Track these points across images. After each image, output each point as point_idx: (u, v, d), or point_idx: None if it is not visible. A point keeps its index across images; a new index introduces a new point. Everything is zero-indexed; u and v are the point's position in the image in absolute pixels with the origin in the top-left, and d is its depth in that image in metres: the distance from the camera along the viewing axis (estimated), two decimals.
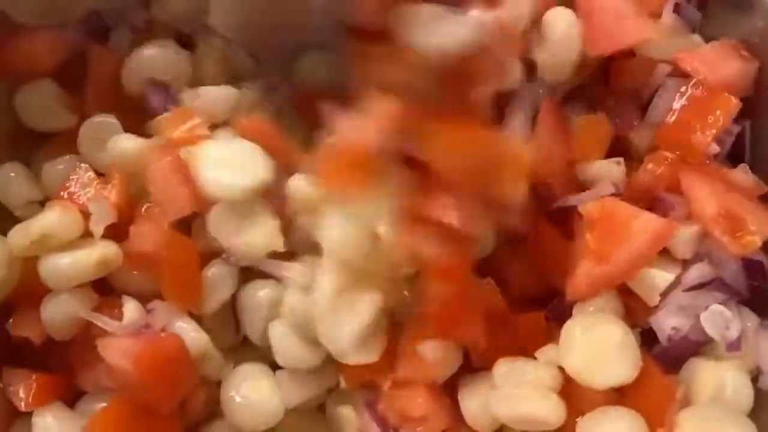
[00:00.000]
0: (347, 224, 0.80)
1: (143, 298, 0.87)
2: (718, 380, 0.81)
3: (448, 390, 0.86)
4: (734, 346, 0.82)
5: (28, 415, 0.86)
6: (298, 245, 0.87)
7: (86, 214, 0.86)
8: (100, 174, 0.91)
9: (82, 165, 0.91)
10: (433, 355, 0.83)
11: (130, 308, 0.85)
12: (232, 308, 0.90)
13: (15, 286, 0.86)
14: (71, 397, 0.88)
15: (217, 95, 0.93)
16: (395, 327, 0.84)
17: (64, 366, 0.88)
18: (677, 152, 0.88)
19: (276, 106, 0.94)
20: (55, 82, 0.95)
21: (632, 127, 0.93)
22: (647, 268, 0.84)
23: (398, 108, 0.78)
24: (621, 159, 0.90)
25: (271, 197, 0.86)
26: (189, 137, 0.88)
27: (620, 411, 0.80)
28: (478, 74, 0.81)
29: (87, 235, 0.86)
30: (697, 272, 0.84)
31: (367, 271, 0.81)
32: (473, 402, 0.85)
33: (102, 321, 0.84)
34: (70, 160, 0.93)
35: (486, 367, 0.85)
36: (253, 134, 0.87)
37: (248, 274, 0.89)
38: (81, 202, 0.88)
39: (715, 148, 0.88)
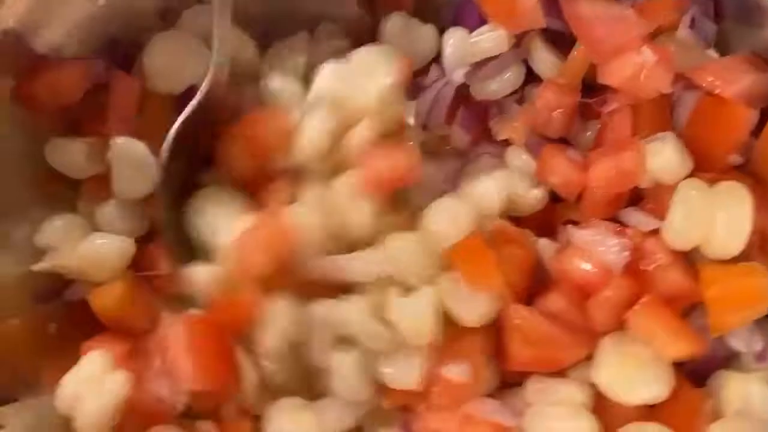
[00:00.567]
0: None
1: None
2: (745, 392, 0.83)
3: None
4: (763, 356, 0.84)
5: None
6: None
7: None
8: None
9: None
10: (460, 376, 0.84)
11: None
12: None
13: None
14: None
15: None
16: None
17: None
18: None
19: None
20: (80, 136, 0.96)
21: None
22: None
23: None
24: None
25: None
26: None
27: (652, 427, 0.82)
28: None
29: None
30: None
31: None
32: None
33: None
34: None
35: (519, 383, 0.87)
36: None
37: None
38: None
39: (737, 159, 0.89)
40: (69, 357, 0.89)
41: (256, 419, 0.88)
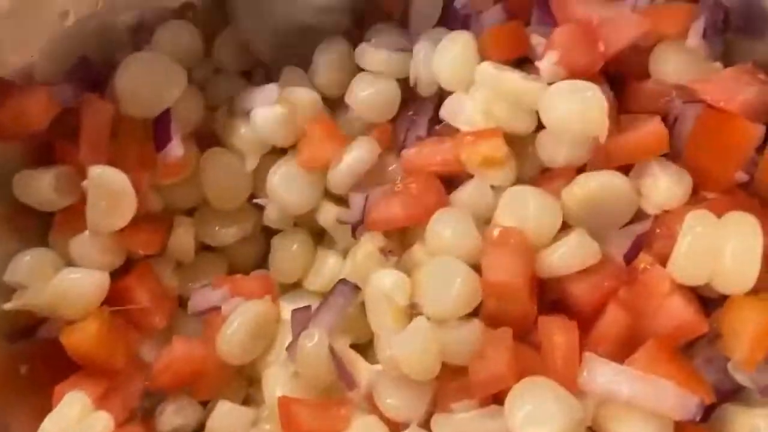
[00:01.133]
0: None
1: None
2: (752, 428, 0.80)
3: None
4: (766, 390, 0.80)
5: None
6: None
7: None
8: None
9: None
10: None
11: None
12: None
13: None
14: None
15: None
16: None
17: None
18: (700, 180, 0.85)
19: None
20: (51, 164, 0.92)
21: None
22: None
23: None
24: None
25: None
26: None
27: None
28: None
29: None
30: None
31: None
32: None
33: None
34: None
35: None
36: None
37: None
38: None
39: (742, 177, 0.85)
40: (42, 400, 0.85)
41: None
